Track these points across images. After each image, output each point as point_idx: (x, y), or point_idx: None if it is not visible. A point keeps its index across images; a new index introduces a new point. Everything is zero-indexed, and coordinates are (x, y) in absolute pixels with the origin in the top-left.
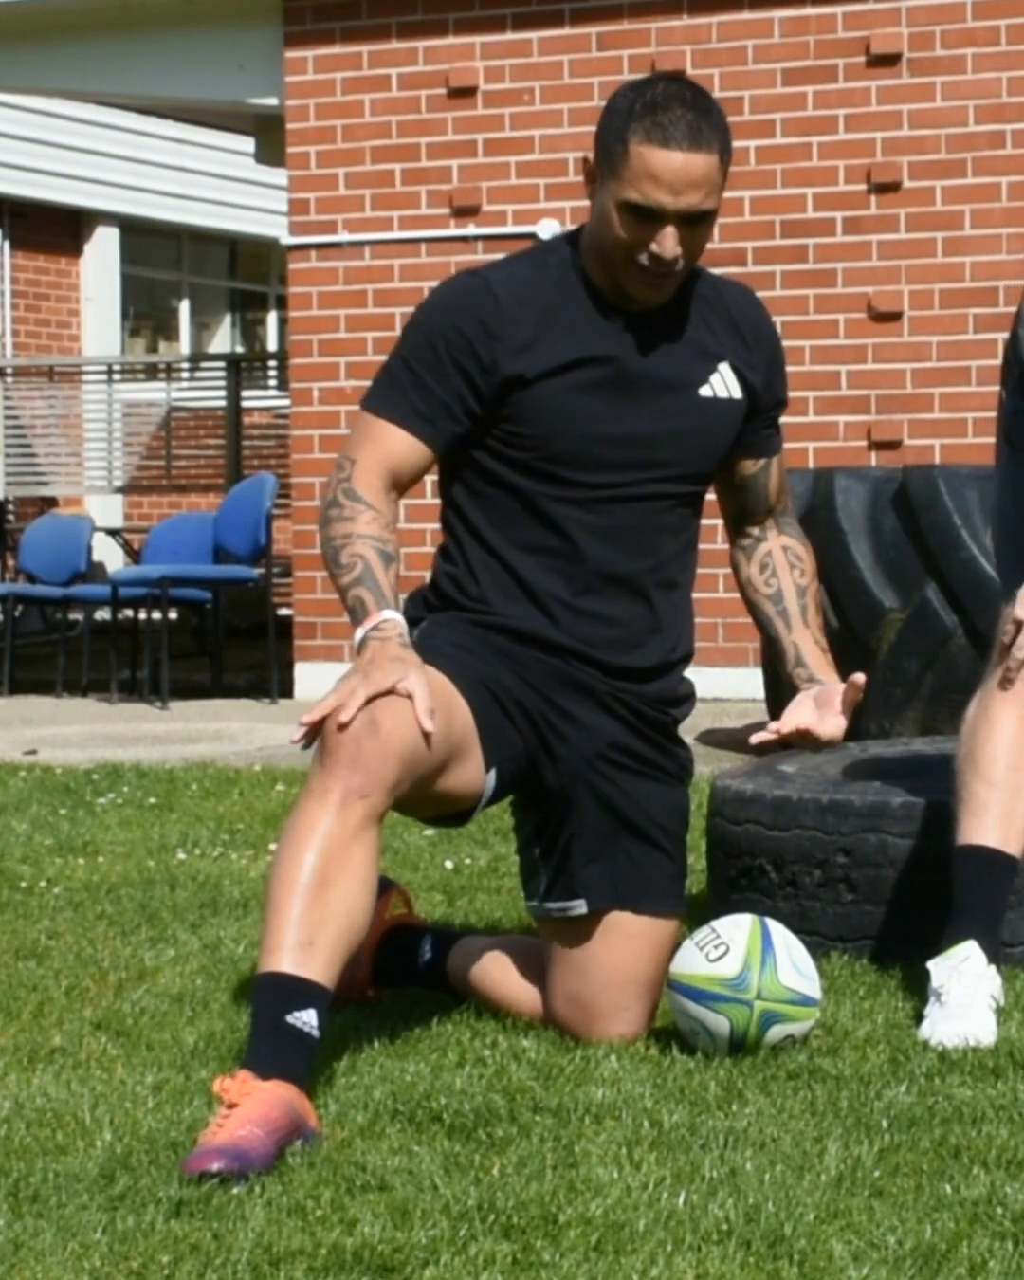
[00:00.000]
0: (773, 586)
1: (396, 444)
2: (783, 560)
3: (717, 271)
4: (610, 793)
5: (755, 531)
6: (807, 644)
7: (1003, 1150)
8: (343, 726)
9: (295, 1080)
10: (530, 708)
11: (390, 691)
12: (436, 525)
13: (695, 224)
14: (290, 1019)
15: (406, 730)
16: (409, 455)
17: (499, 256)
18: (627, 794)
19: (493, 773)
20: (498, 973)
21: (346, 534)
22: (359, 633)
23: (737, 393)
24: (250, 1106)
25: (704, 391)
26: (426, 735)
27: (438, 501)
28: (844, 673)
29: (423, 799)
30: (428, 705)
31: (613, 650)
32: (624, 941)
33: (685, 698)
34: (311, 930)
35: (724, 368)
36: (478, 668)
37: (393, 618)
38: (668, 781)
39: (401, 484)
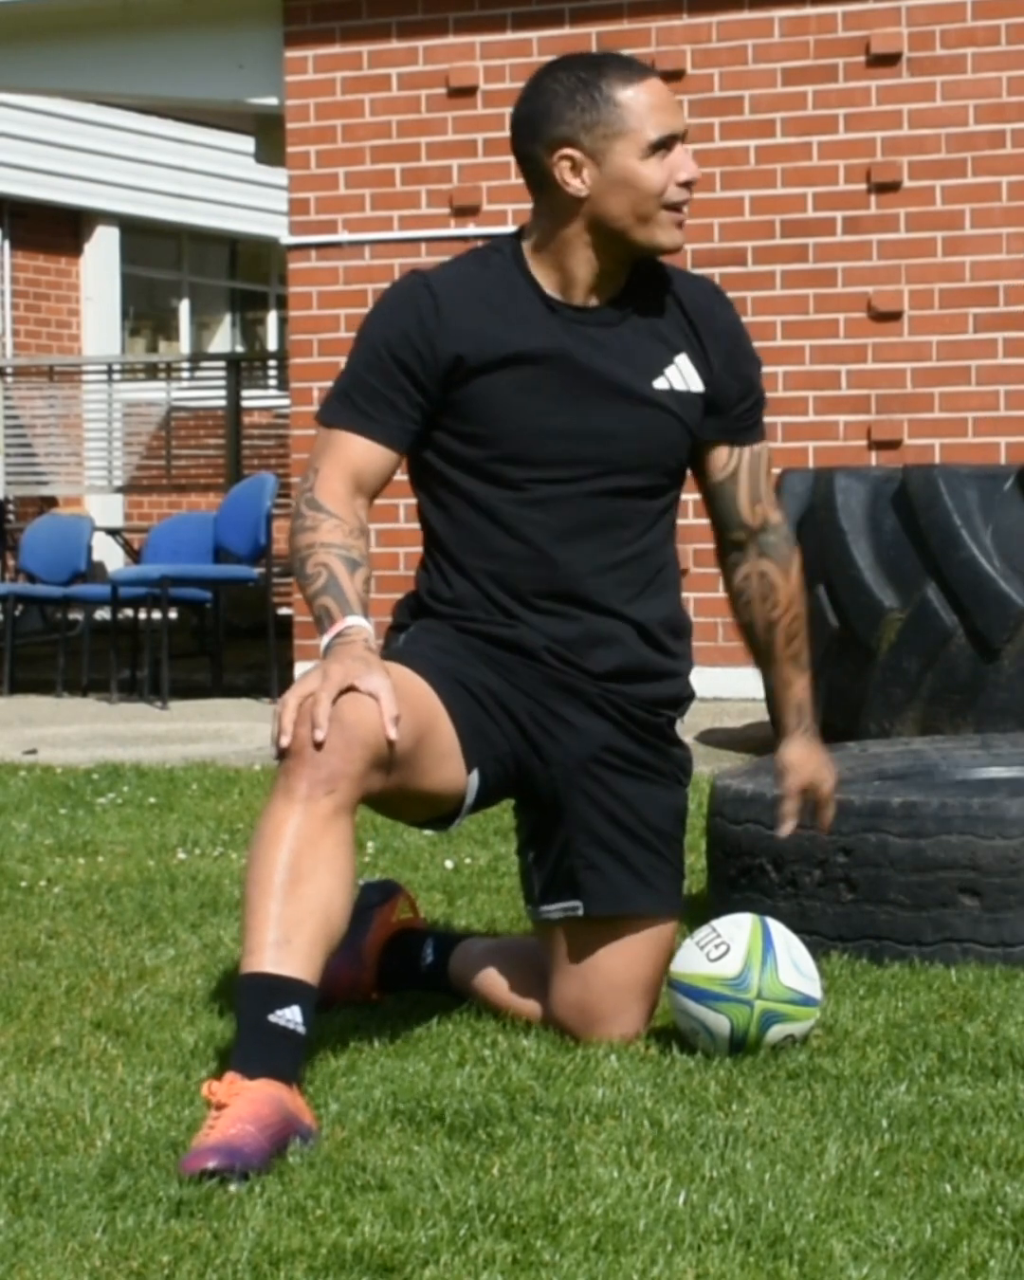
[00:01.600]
0: (745, 616)
1: (354, 448)
2: (756, 591)
3: (718, 271)
4: (604, 796)
5: (736, 552)
6: (773, 680)
7: (1003, 1150)
8: (319, 745)
9: (284, 1078)
10: (517, 710)
11: (352, 690)
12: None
13: (686, 146)
14: (273, 1018)
15: (371, 721)
16: (369, 457)
17: (469, 250)
18: (620, 797)
19: (475, 773)
20: (498, 975)
21: (310, 543)
22: (324, 639)
23: (695, 386)
24: (240, 1105)
25: (659, 383)
26: (390, 741)
27: (413, 493)
28: (845, 672)
29: (404, 800)
30: (393, 710)
31: (588, 651)
32: (623, 946)
33: (682, 699)
34: (289, 927)
35: (680, 360)
36: (460, 669)
37: (357, 623)
38: (664, 783)
39: (367, 488)
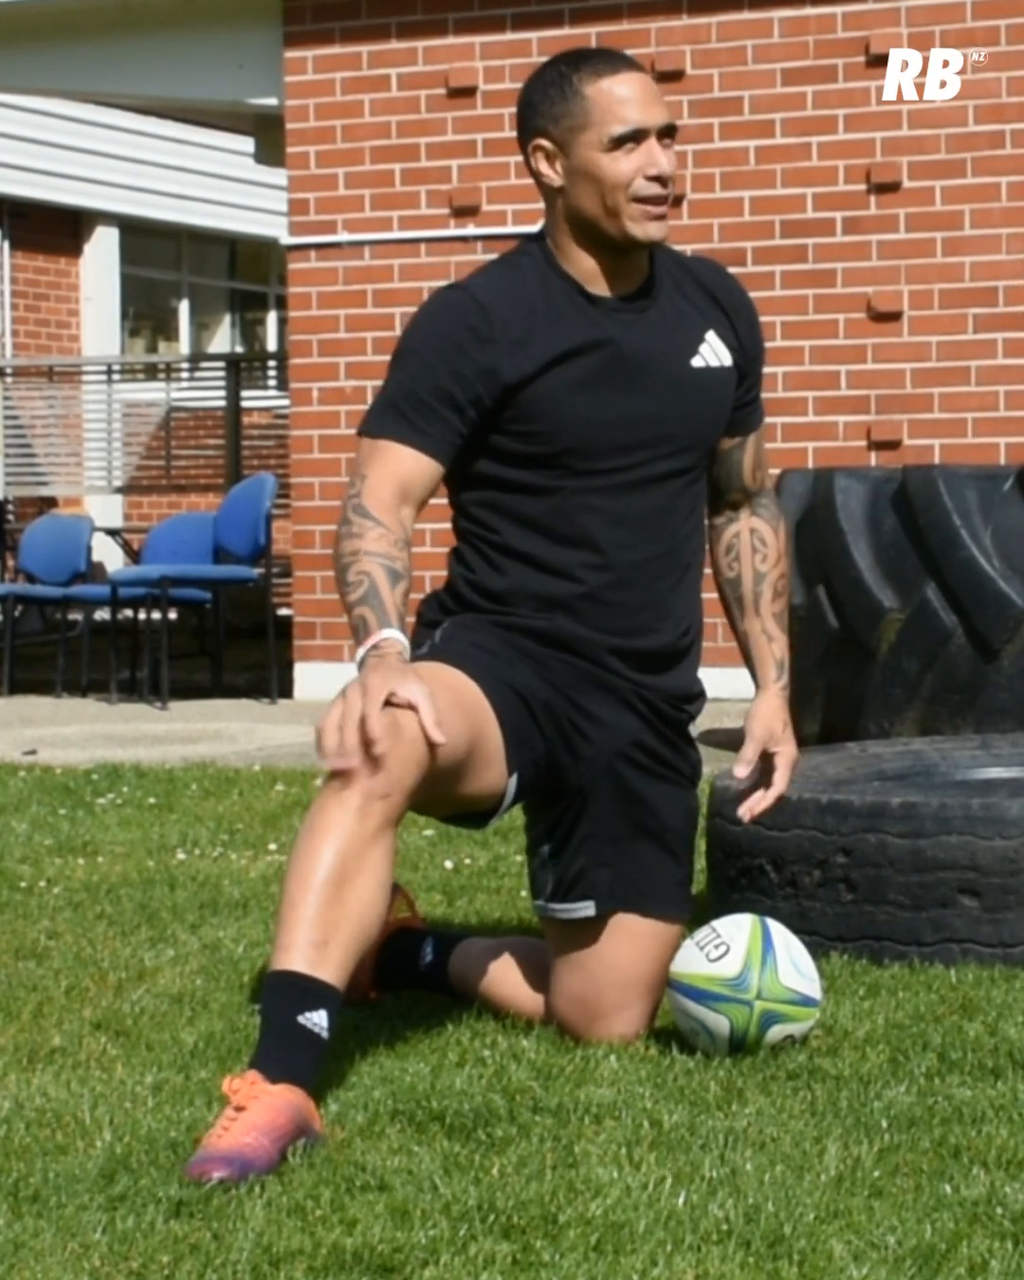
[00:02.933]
0: (733, 571)
1: (402, 458)
2: (747, 544)
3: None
4: (628, 793)
5: (729, 512)
6: (754, 633)
7: (1003, 1150)
8: (377, 760)
9: (303, 1084)
10: (555, 708)
11: (389, 702)
12: (439, 526)
13: (667, 141)
14: (302, 1020)
15: (424, 735)
16: (416, 468)
17: (496, 257)
18: (642, 796)
19: (514, 776)
20: (498, 974)
21: (354, 551)
22: (360, 651)
23: (726, 360)
24: (257, 1112)
25: (695, 362)
26: (433, 746)
27: (442, 502)
28: (845, 672)
29: (442, 801)
30: (433, 716)
31: (630, 636)
32: (630, 942)
33: (699, 695)
34: (326, 930)
35: (710, 336)
36: (501, 669)
37: (393, 636)
38: (681, 784)
39: (414, 497)
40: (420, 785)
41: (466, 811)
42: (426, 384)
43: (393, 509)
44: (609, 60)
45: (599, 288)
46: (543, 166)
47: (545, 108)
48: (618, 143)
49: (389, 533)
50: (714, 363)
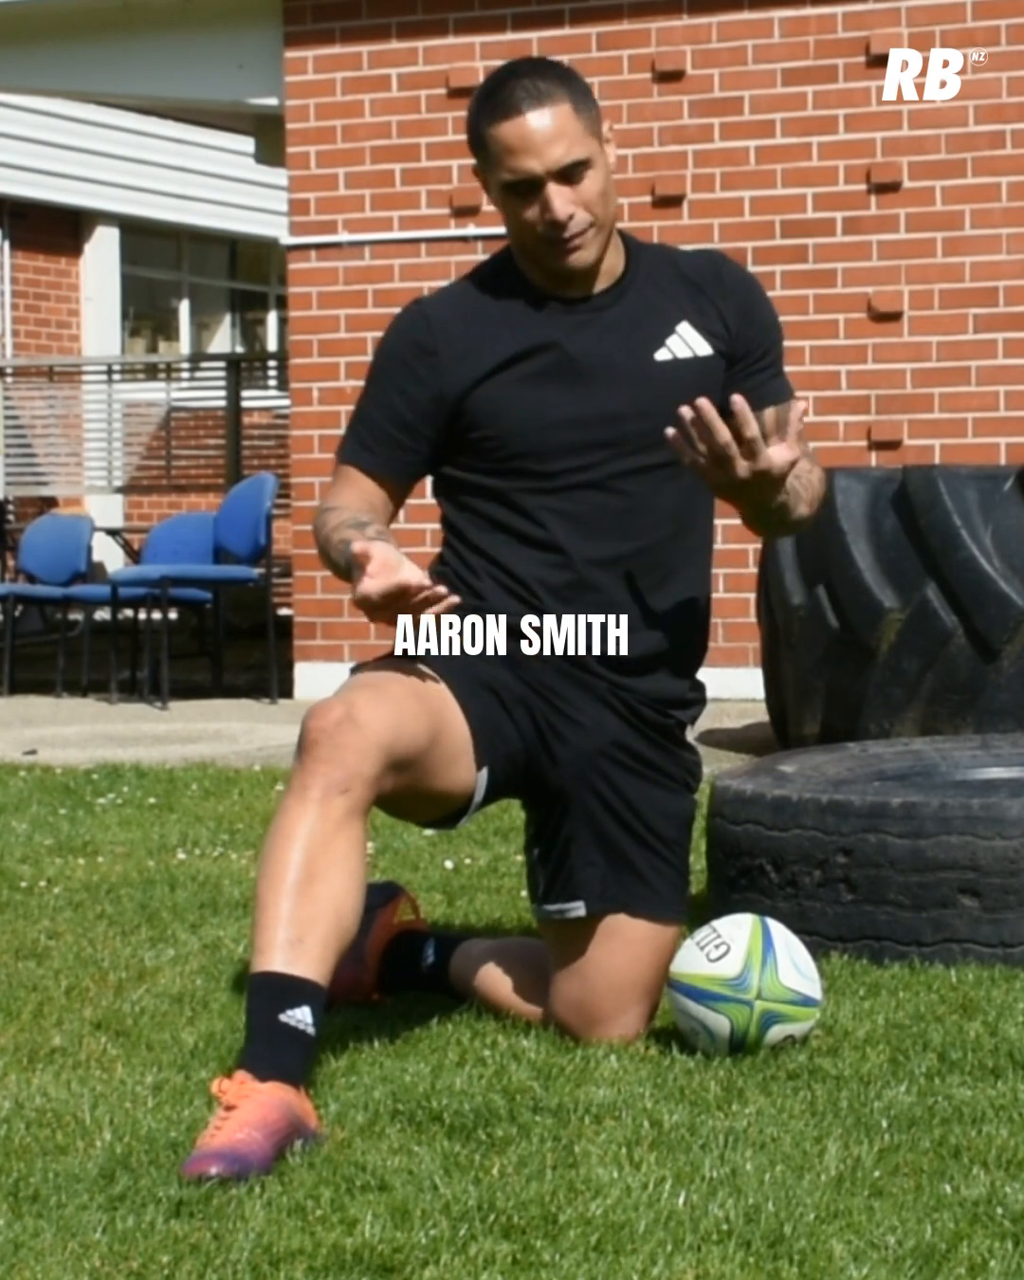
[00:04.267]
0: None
1: (363, 482)
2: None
3: None
4: (609, 794)
5: None
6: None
7: (1003, 1150)
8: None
9: (293, 1081)
10: (531, 706)
11: (371, 689)
12: (437, 525)
13: (573, 176)
14: (284, 1018)
15: (385, 722)
16: (376, 490)
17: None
18: (625, 797)
19: (484, 771)
20: (499, 976)
21: (333, 525)
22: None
23: (703, 349)
24: (248, 1109)
25: (660, 356)
26: (390, 733)
27: (435, 501)
28: (845, 672)
29: (414, 799)
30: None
31: (600, 643)
32: (624, 946)
33: (693, 702)
34: (301, 927)
35: (682, 328)
36: (474, 666)
37: (372, 531)
38: (670, 787)
39: (380, 513)
40: (382, 775)
41: (441, 811)
42: (382, 409)
43: (362, 510)
44: (506, 100)
45: (558, 290)
46: (483, 188)
47: (470, 138)
48: (511, 189)
49: (352, 507)
50: (685, 354)
